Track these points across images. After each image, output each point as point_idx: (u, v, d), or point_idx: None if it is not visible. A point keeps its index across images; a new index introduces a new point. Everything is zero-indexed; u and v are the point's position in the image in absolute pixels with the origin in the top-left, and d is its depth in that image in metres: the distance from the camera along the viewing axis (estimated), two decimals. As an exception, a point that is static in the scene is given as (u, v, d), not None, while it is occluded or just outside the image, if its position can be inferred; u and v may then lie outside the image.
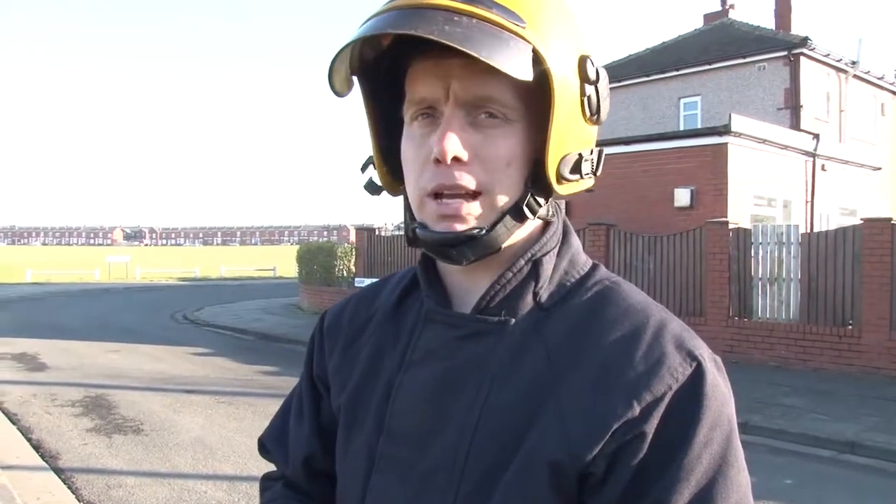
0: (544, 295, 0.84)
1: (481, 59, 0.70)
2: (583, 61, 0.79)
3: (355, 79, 0.85)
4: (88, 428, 7.29)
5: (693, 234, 11.86)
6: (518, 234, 0.84)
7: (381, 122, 0.88)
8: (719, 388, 0.78)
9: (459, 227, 0.79)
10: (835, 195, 16.31)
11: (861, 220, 10.70)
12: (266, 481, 1.09)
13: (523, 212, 0.81)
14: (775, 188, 14.45)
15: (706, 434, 0.75)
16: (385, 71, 0.87)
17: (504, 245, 0.82)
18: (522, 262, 0.84)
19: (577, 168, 0.82)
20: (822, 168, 15.78)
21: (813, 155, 15.45)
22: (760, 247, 11.23)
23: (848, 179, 17.01)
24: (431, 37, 0.70)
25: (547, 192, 0.81)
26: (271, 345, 14.15)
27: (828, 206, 16.03)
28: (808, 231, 12.51)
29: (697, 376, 0.76)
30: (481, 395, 0.80)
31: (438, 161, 0.78)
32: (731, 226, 11.53)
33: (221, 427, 7.35)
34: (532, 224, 0.86)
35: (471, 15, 0.72)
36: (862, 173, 17.76)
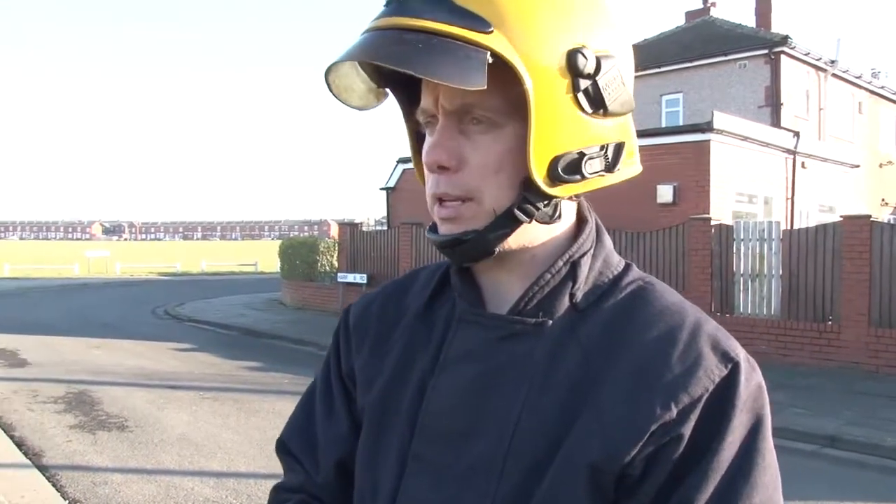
0: (580, 296, 0.83)
1: (417, 75, 0.71)
2: (572, 54, 0.75)
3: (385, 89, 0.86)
4: (72, 425, 7.23)
5: (676, 231, 11.95)
6: (543, 235, 0.84)
7: (416, 125, 0.89)
8: (753, 389, 0.79)
9: (454, 230, 0.81)
10: (814, 192, 16.50)
11: (841, 217, 10.82)
12: (280, 493, 0.99)
13: (515, 215, 0.80)
14: (756, 185, 14.59)
15: (735, 435, 0.76)
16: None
17: (498, 248, 0.81)
18: (560, 263, 0.84)
19: (576, 168, 0.79)
20: (802, 165, 15.95)
21: (793, 152, 15.62)
22: (742, 243, 11.33)
23: (827, 177, 17.21)
24: (375, 61, 0.74)
25: (541, 195, 0.79)
26: (255, 340, 14.06)
27: (807, 203, 16.22)
28: (789, 228, 12.63)
29: (732, 377, 0.77)
30: (520, 395, 0.80)
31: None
32: (713, 222, 11.62)
33: (206, 423, 7.32)
34: (564, 224, 0.86)
35: (421, 30, 0.72)
36: (840, 171, 17.98)
